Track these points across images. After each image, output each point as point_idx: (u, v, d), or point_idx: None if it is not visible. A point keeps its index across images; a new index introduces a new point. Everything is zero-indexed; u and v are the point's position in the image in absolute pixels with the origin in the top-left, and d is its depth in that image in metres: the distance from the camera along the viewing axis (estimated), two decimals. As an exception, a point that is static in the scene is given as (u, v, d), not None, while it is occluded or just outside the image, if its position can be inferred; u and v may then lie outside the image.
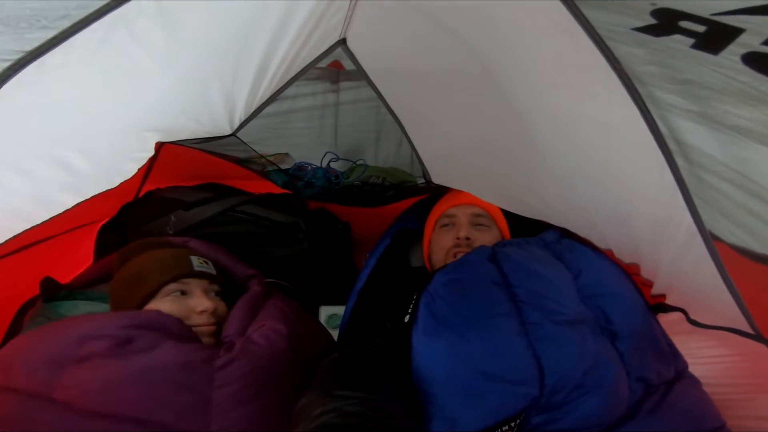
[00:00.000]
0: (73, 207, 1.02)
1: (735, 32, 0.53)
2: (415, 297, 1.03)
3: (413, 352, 0.89)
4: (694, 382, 0.97)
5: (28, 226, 0.96)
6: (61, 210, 1.00)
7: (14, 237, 0.94)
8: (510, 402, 0.81)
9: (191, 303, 0.90)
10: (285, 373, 0.84)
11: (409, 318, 0.98)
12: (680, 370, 0.98)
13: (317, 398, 0.74)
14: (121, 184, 1.09)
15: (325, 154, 1.37)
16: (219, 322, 0.91)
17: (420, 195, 1.45)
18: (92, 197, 1.04)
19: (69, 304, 0.99)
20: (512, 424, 0.80)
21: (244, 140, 1.23)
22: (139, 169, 1.11)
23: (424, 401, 0.84)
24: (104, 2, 0.64)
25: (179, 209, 1.28)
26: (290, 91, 1.18)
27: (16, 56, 0.65)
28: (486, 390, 0.81)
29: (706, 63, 0.60)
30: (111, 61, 0.77)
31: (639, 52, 0.67)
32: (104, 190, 1.06)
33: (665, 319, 1.06)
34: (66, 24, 0.64)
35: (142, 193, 1.25)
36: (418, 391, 0.85)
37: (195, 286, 0.92)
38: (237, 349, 0.81)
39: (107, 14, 0.65)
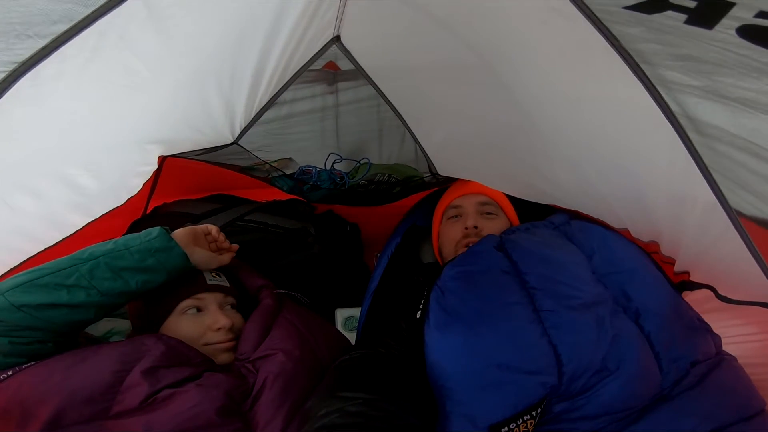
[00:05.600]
0: (84, 227, 1.04)
1: (726, 6, 0.52)
2: (425, 292, 1.01)
3: (426, 348, 0.88)
4: (732, 360, 0.93)
5: (42, 248, 0.98)
6: (72, 231, 1.02)
7: (29, 259, 0.96)
8: (528, 392, 0.79)
9: (207, 320, 0.88)
10: (304, 396, 0.81)
11: (421, 314, 0.97)
12: (718, 345, 0.94)
13: (322, 400, 0.75)
14: (128, 201, 1.10)
15: (329, 155, 1.36)
16: (236, 336, 0.90)
17: (427, 189, 1.44)
18: (101, 216, 1.06)
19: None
20: (533, 413, 0.79)
21: (247, 148, 1.24)
22: (144, 184, 1.12)
23: (441, 396, 0.82)
24: (92, 9, 0.63)
25: (188, 222, 1.28)
26: (288, 95, 1.18)
27: (10, 67, 0.65)
28: (502, 381, 0.80)
29: (703, 38, 0.58)
30: (106, 70, 0.77)
31: (635, 31, 0.65)
32: (112, 208, 1.08)
33: (691, 298, 1.01)
34: (56, 32, 0.64)
35: (149, 209, 1.26)
36: (435, 387, 0.84)
37: (210, 301, 0.91)
38: (255, 386, 0.79)
39: (96, 21, 0.65)
